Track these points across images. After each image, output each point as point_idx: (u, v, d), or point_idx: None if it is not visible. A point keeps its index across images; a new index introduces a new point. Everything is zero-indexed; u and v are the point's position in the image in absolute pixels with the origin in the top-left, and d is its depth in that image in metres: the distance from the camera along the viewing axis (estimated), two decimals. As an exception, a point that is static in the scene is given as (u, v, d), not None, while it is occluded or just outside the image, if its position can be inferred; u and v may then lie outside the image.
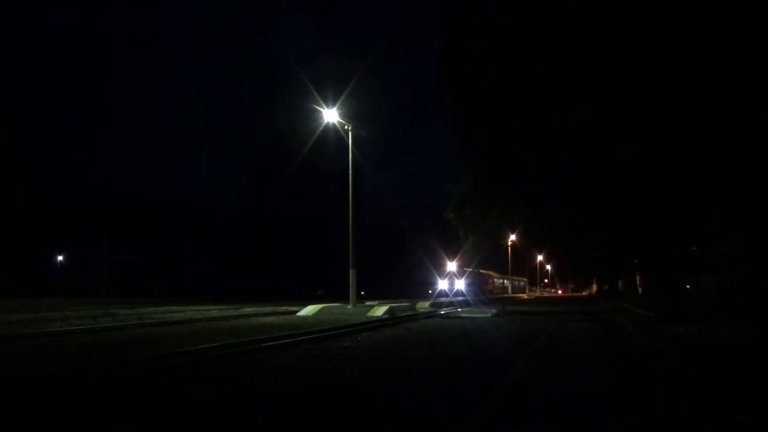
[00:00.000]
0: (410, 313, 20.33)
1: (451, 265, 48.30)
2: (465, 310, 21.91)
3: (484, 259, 51.49)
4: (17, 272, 44.99)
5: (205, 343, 9.43)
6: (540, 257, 77.96)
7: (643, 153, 15.49)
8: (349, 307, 20.67)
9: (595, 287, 62.00)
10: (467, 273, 50.54)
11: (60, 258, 54.29)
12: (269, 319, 17.02)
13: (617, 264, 36.69)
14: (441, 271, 49.25)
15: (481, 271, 56.03)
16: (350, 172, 22.42)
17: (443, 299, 33.44)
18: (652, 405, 5.74)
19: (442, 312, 21.29)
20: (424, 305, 24.55)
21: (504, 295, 57.75)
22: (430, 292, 45.46)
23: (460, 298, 36.38)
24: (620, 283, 42.55)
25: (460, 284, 47.74)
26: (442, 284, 47.62)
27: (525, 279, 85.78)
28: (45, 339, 10.71)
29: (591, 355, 9.75)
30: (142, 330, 12.99)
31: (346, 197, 22.99)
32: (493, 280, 65.38)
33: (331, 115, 21.98)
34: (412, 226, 61.21)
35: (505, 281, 71.58)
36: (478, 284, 53.18)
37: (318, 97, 22.10)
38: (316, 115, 22.34)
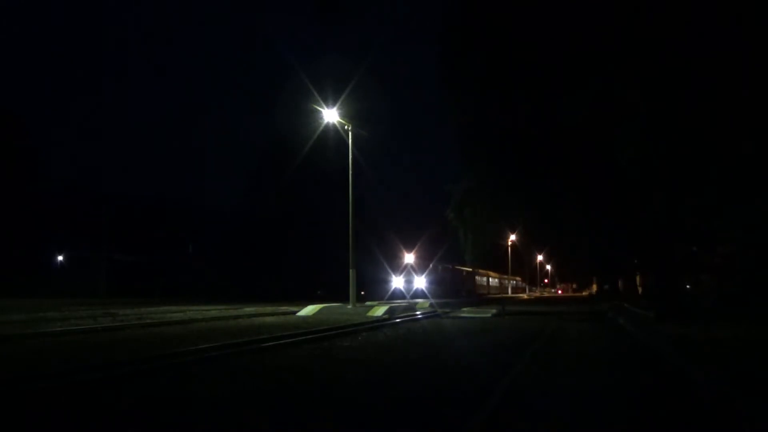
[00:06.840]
0: (410, 313, 20.35)
1: (409, 257, 39.69)
2: (466, 311, 21.95)
3: (484, 259, 49.60)
4: (17, 272, 44.96)
5: (205, 343, 9.45)
6: (540, 257, 78.08)
7: (643, 153, 15.54)
8: (349, 307, 20.68)
9: (595, 287, 61.97)
10: (430, 268, 42.09)
11: (60, 258, 54.27)
12: (269, 320, 17.02)
13: (617, 264, 36.72)
14: (397, 266, 40.08)
15: (458, 267, 46.79)
16: (350, 172, 22.41)
17: (399, 302, 26.04)
18: (652, 405, 5.75)
19: (443, 312, 21.32)
20: (424, 305, 24.57)
21: (504, 296, 57.72)
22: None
23: (419, 300, 29.67)
24: (620, 283, 42.56)
25: (421, 282, 39.58)
26: (397, 282, 38.92)
27: (519, 278, 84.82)
28: (45, 339, 10.73)
29: (591, 355, 9.76)
30: (143, 330, 12.99)
31: (345, 197, 22.98)
32: (476, 278, 55.00)
33: (331, 115, 21.99)
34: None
35: (491, 280, 64.56)
36: (449, 282, 44.32)
37: (318, 97, 22.14)
38: (316, 115, 22.36)
